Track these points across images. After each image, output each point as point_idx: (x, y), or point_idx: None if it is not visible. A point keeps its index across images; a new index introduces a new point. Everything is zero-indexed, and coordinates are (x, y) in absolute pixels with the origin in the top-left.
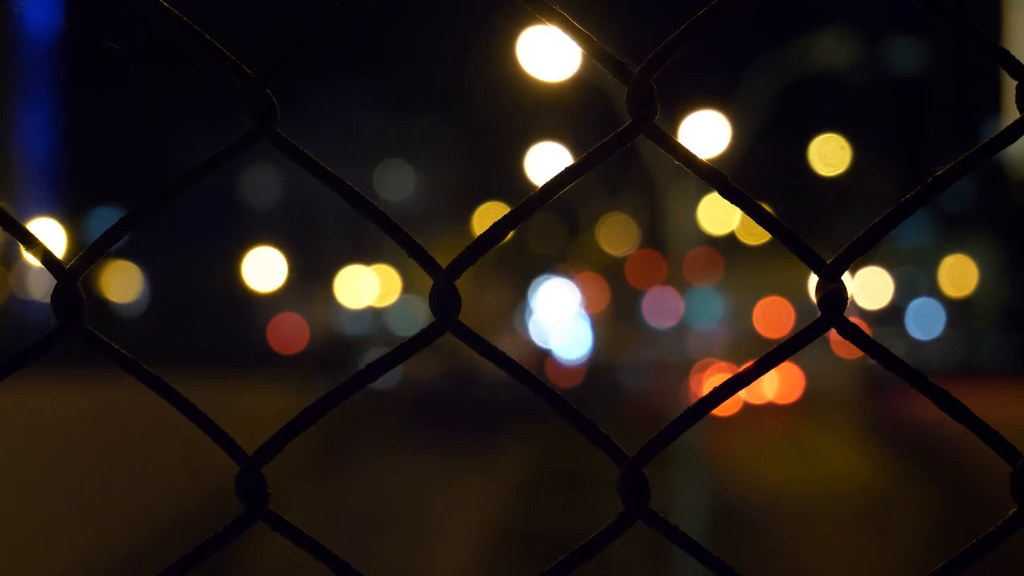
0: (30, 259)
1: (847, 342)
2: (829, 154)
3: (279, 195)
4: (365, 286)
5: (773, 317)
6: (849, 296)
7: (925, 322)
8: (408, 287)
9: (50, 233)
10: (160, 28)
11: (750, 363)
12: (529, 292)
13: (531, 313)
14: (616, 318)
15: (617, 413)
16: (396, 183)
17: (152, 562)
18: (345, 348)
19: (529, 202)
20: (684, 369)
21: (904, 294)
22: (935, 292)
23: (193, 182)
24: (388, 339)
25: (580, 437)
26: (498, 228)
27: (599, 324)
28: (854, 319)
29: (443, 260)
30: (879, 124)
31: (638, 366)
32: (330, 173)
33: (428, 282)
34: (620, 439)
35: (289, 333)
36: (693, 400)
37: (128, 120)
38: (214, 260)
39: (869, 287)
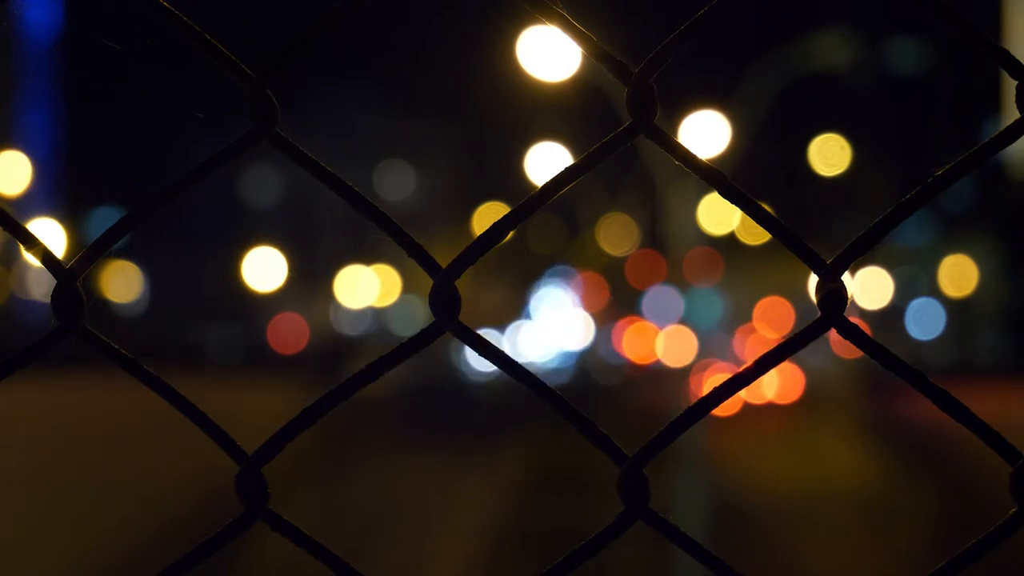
0: (30, 259)
1: (847, 342)
2: (829, 154)
3: (279, 195)
4: (365, 286)
5: (773, 317)
6: (849, 296)
7: (925, 322)
8: (408, 287)
9: (50, 233)
10: (160, 28)
11: (750, 363)
12: (529, 292)
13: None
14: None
15: (617, 413)
16: (396, 183)
17: (152, 562)
18: (345, 348)
19: (529, 202)
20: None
21: (904, 294)
22: (935, 292)
23: (193, 182)
24: (388, 339)
25: (580, 437)
26: (498, 228)
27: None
28: (854, 319)
29: (443, 260)
30: (879, 124)
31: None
32: (330, 173)
33: (428, 282)
34: (620, 439)
35: (289, 333)
36: (693, 400)
37: (128, 120)
38: (214, 260)
39: (869, 287)
